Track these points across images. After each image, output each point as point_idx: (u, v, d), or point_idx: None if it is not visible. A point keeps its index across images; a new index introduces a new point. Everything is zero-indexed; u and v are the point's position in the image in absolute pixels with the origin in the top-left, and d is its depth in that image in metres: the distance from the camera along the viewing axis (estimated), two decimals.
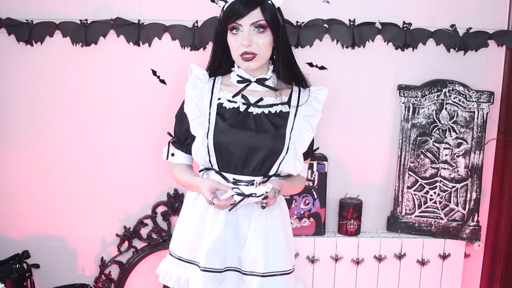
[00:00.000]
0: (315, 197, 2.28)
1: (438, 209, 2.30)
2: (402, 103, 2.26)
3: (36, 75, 2.24)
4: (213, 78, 1.71)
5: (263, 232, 1.62)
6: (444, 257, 2.31)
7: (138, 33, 2.18)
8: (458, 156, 2.26)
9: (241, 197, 1.51)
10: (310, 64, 2.24)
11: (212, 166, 1.64)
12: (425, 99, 2.24)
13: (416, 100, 2.25)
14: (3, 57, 2.23)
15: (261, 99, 1.65)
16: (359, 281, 2.31)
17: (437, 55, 2.25)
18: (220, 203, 1.54)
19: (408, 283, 2.32)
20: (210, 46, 2.16)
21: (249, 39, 1.57)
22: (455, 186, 2.28)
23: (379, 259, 2.30)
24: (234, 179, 1.62)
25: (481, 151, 2.24)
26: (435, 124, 2.25)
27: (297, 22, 2.20)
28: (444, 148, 2.26)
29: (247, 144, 1.59)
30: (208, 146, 1.60)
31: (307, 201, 2.28)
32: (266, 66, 1.68)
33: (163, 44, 2.21)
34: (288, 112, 1.66)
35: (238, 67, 1.68)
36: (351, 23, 2.20)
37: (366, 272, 2.30)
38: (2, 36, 2.21)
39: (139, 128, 2.29)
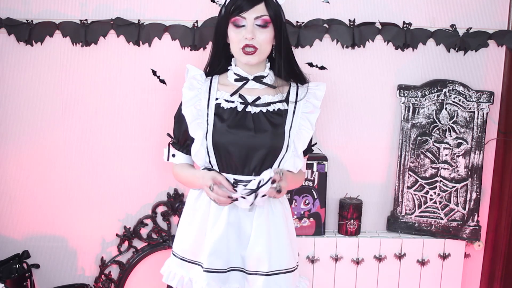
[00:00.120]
0: (315, 197, 2.28)
1: (438, 209, 2.30)
2: (402, 103, 2.26)
3: (36, 75, 2.24)
4: (210, 78, 1.71)
5: (266, 230, 1.62)
6: (444, 257, 2.31)
7: (138, 33, 2.18)
8: (458, 156, 2.26)
9: (253, 194, 1.49)
10: (310, 64, 2.24)
11: (212, 167, 1.64)
12: (425, 99, 2.24)
13: (416, 100, 2.25)
14: (3, 57, 2.23)
15: (258, 98, 1.65)
16: (359, 281, 2.31)
17: (437, 55, 2.25)
18: (219, 192, 1.51)
19: (408, 283, 2.32)
20: (210, 46, 2.16)
21: (253, 33, 1.57)
22: (455, 186, 2.28)
23: (379, 259, 2.30)
24: (234, 179, 1.62)
25: (481, 151, 2.24)
26: (435, 124, 2.25)
27: (297, 22, 2.20)
28: (444, 148, 2.26)
29: (247, 144, 1.59)
30: (207, 147, 1.60)
31: (307, 201, 2.28)
32: (263, 64, 1.68)
33: (163, 44, 2.21)
34: (286, 110, 1.65)
35: (235, 65, 1.68)
36: (351, 23, 2.20)
37: (366, 272, 2.30)
38: (2, 36, 2.21)
39: (139, 128, 2.29)
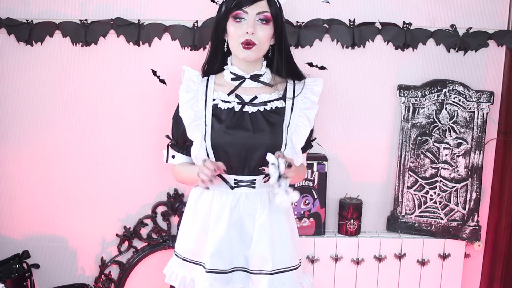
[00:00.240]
0: (315, 197, 2.28)
1: (438, 209, 2.30)
2: (402, 103, 2.26)
3: (36, 75, 2.24)
4: (206, 78, 1.70)
5: (269, 229, 1.62)
6: (444, 257, 2.31)
7: (138, 33, 2.18)
8: (458, 156, 2.26)
9: (283, 181, 1.44)
10: (310, 64, 2.24)
11: None
12: (425, 99, 2.24)
13: (416, 100, 2.25)
14: (3, 57, 2.23)
15: (255, 97, 1.65)
16: (359, 281, 2.31)
17: (437, 55, 2.25)
18: (209, 166, 1.46)
19: (408, 283, 2.32)
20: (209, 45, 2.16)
21: (254, 27, 1.57)
22: (455, 186, 2.28)
23: (379, 259, 2.30)
24: (235, 179, 1.62)
25: (481, 151, 2.24)
26: (435, 124, 2.25)
27: (297, 22, 2.20)
28: (444, 148, 2.26)
29: (245, 144, 1.58)
30: (206, 149, 1.60)
31: (307, 201, 2.28)
32: (260, 62, 1.68)
33: (163, 44, 2.21)
34: (284, 107, 1.65)
35: (232, 64, 1.68)
36: (351, 23, 2.20)
37: (366, 272, 2.30)
38: (2, 36, 2.21)
39: (139, 128, 2.29)
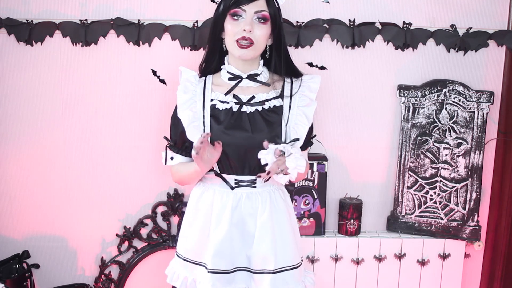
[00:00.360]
0: (315, 197, 2.28)
1: (438, 209, 2.30)
2: (402, 103, 2.26)
3: (36, 75, 2.24)
4: (204, 78, 1.70)
5: (270, 228, 1.62)
6: (444, 257, 2.31)
7: (138, 33, 2.18)
8: (458, 156, 2.26)
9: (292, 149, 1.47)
10: (310, 64, 2.24)
11: (213, 168, 1.63)
12: (425, 99, 2.24)
13: (416, 100, 2.25)
14: (3, 57, 2.23)
15: (253, 97, 1.64)
16: (359, 281, 2.31)
17: (437, 55, 2.25)
18: (202, 136, 1.42)
19: (408, 283, 2.32)
20: None
21: (251, 25, 1.57)
22: (455, 186, 2.28)
23: (379, 259, 2.30)
24: (235, 179, 1.62)
25: (481, 151, 2.24)
26: (435, 124, 2.25)
27: (297, 22, 2.20)
28: (444, 148, 2.26)
29: (244, 145, 1.58)
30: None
31: (307, 201, 2.28)
32: (257, 62, 1.68)
33: (163, 44, 2.21)
34: (282, 106, 1.65)
35: (229, 63, 1.68)
36: (351, 23, 2.20)
37: (366, 272, 2.30)
38: (2, 36, 2.21)
39: (139, 128, 2.29)
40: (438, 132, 2.26)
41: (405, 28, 2.21)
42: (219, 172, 1.63)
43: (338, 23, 2.20)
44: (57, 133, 2.28)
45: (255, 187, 1.64)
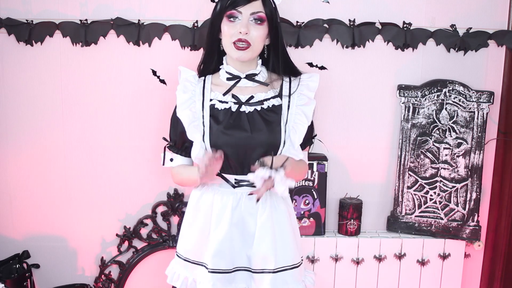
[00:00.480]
0: (315, 197, 2.28)
1: (438, 209, 2.30)
2: (402, 103, 2.26)
3: (36, 75, 2.24)
4: (203, 78, 1.70)
5: (270, 228, 1.62)
6: (444, 257, 2.31)
7: (138, 33, 2.18)
8: (458, 156, 2.26)
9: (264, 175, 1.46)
10: (310, 64, 2.24)
11: None
12: (425, 99, 2.24)
13: (416, 100, 2.25)
14: (3, 57, 2.23)
15: (252, 97, 1.64)
16: (359, 281, 2.31)
17: (437, 55, 2.25)
18: (209, 157, 1.44)
19: (408, 283, 2.32)
20: None
21: (247, 27, 1.57)
22: (455, 186, 2.28)
23: (379, 259, 2.30)
24: (235, 179, 1.62)
25: (481, 151, 2.24)
26: (435, 124, 2.25)
27: (297, 22, 2.20)
28: (444, 148, 2.26)
29: (243, 144, 1.58)
30: (206, 149, 1.60)
31: (307, 201, 2.28)
32: (255, 61, 1.68)
33: (163, 44, 2.21)
34: (280, 105, 1.65)
35: (227, 63, 1.68)
36: (351, 23, 2.20)
37: (366, 272, 2.30)
38: (2, 36, 2.21)
39: (139, 128, 2.29)
40: (438, 132, 2.26)
41: (405, 28, 2.21)
42: (219, 172, 1.63)
43: (338, 23, 2.20)
44: (57, 133, 2.28)
45: (255, 186, 1.63)
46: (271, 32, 1.63)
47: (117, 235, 2.37)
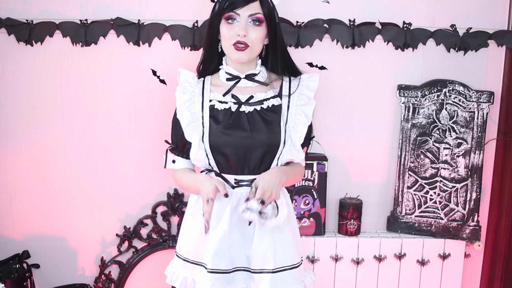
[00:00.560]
0: (315, 197, 2.28)
1: (438, 209, 2.30)
2: (402, 103, 2.26)
3: (36, 75, 2.24)
4: (202, 79, 1.70)
5: (270, 228, 1.62)
6: (444, 257, 2.31)
7: (138, 33, 2.18)
8: (458, 156, 2.26)
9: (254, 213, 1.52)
10: (310, 64, 2.24)
11: (212, 168, 1.63)
12: (425, 99, 2.24)
13: (416, 100, 2.25)
14: (3, 57, 2.23)
15: (251, 97, 1.65)
16: (359, 281, 2.31)
17: (437, 55, 2.25)
18: (208, 210, 1.53)
19: (408, 283, 2.32)
20: None
21: (245, 30, 1.57)
22: (455, 186, 2.28)
23: (379, 259, 2.30)
24: (235, 179, 1.62)
25: (481, 151, 2.24)
26: (435, 124, 2.25)
27: (297, 22, 2.20)
28: (444, 148, 2.26)
29: (243, 144, 1.58)
30: (205, 150, 1.60)
31: (307, 201, 2.28)
32: (254, 62, 1.68)
33: (163, 44, 2.21)
34: (280, 105, 1.65)
35: (227, 64, 1.68)
36: (351, 23, 2.20)
37: (366, 272, 2.30)
38: (2, 36, 2.21)
39: (139, 128, 2.29)
40: (438, 132, 2.26)
41: (405, 28, 2.21)
42: (219, 172, 1.63)
43: (338, 23, 2.20)
44: (57, 133, 2.28)
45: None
46: (270, 32, 1.63)
47: (117, 235, 2.37)
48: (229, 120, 1.61)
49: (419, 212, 2.31)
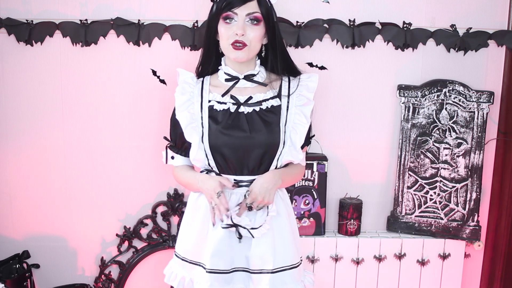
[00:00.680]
0: (315, 197, 2.28)
1: (438, 209, 2.30)
2: (402, 103, 2.26)
3: (36, 75, 2.24)
4: (201, 80, 1.70)
5: (269, 228, 1.62)
6: (444, 257, 2.31)
7: (138, 33, 2.18)
8: (458, 156, 2.26)
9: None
10: (310, 64, 2.24)
11: (212, 168, 1.64)
12: (425, 99, 2.24)
13: (416, 100, 2.25)
14: (3, 57, 2.23)
15: (250, 98, 1.64)
16: (359, 281, 2.31)
17: (437, 55, 2.25)
18: (223, 200, 1.55)
19: (408, 283, 2.32)
20: None
21: (243, 29, 1.57)
22: (455, 186, 2.28)
23: (379, 259, 2.30)
24: (235, 180, 1.62)
25: (481, 151, 2.24)
26: (435, 124, 2.25)
27: (297, 22, 2.20)
28: (444, 148, 2.26)
29: (242, 145, 1.58)
30: (205, 150, 1.60)
31: (307, 201, 2.28)
32: (253, 62, 1.67)
33: (163, 44, 2.21)
34: (280, 106, 1.65)
35: (225, 64, 1.68)
36: (351, 23, 2.20)
37: (366, 272, 2.30)
38: (2, 36, 2.21)
39: (139, 128, 2.29)
40: (438, 132, 2.26)
41: (405, 28, 2.21)
42: (218, 172, 1.63)
43: (338, 23, 2.20)
44: (57, 133, 2.28)
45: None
46: (268, 32, 1.63)
47: (117, 235, 2.37)
48: (228, 120, 1.61)
49: (419, 212, 2.31)
